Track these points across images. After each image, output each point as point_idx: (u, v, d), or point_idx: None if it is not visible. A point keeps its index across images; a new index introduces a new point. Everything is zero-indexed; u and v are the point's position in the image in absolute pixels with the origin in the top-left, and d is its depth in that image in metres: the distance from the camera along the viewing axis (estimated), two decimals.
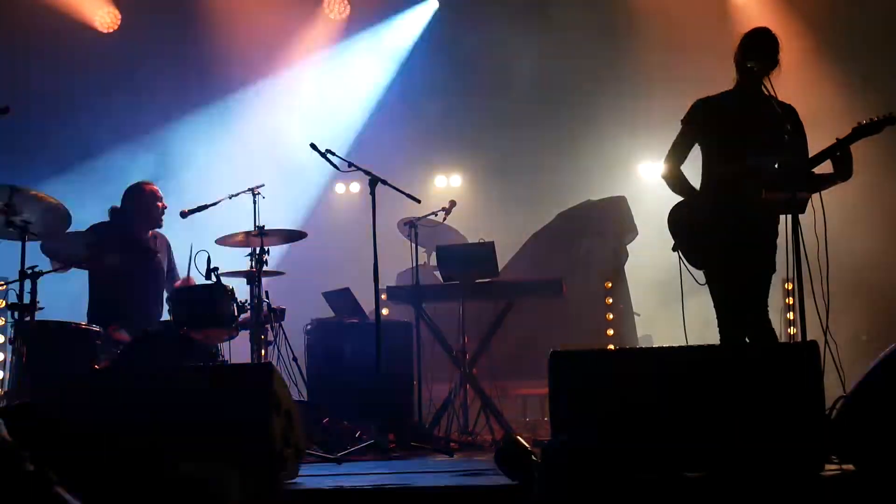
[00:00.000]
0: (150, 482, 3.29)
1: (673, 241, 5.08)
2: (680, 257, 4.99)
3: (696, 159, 5.21)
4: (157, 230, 6.87)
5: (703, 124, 5.13)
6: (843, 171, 4.79)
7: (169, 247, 6.95)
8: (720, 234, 4.91)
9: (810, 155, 4.83)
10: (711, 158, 5.12)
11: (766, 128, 4.90)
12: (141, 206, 6.69)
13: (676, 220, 5.10)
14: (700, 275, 5.02)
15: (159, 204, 6.73)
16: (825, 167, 4.81)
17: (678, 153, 5.19)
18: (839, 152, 4.71)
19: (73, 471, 2.35)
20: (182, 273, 6.87)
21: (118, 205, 6.73)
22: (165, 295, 6.74)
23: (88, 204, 6.56)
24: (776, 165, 4.93)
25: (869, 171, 7.79)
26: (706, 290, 5.03)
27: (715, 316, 5.02)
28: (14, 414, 3.86)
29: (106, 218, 6.68)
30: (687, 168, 5.20)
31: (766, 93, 4.84)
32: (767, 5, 9.63)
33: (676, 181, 5.17)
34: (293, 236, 6.52)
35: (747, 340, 4.88)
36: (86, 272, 6.49)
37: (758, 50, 4.94)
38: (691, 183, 5.16)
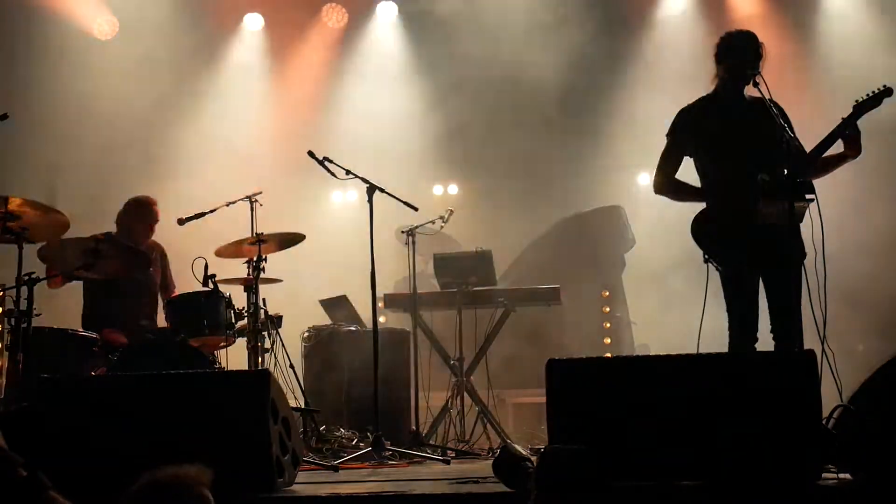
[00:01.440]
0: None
1: (703, 254, 4.95)
2: (711, 264, 4.93)
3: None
4: (154, 240, 6.91)
5: (689, 135, 5.11)
6: (853, 148, 4.80)
7: (164, 257, 6.95)
8: (736, 242, 4.87)
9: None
10: (706, 168, 5.10)
11: (759, 129, 4.87)
12: (127, 217, 6.76)
13: (700, 230, 4.99)
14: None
15: (153, 226, 6.79)
16: (834, 148, 4.82)
17: (669, 166, 5.14)
18: (847, 130, 4.73)
19: (68, 476, 2.35)
20: (177, 283, 6.90)
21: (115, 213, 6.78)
22: (160, 305, 6.77)
23: (83, 207, 6.55)
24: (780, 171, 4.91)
25: (866, 181, 7.86)
26: (713, 300, 5.00)
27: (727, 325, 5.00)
28: (11, 420, 3.86)
29: (98, 223, 6.70)
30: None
31: (756, 91, 4.79)
32: (767, 12, 9.67)
33: (672, 191, 5.15)
34: (290, 243, 6.50)
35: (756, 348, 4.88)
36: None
37: (752, 56, 4.93)
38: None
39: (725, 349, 4.87)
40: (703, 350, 4.47)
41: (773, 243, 4.80)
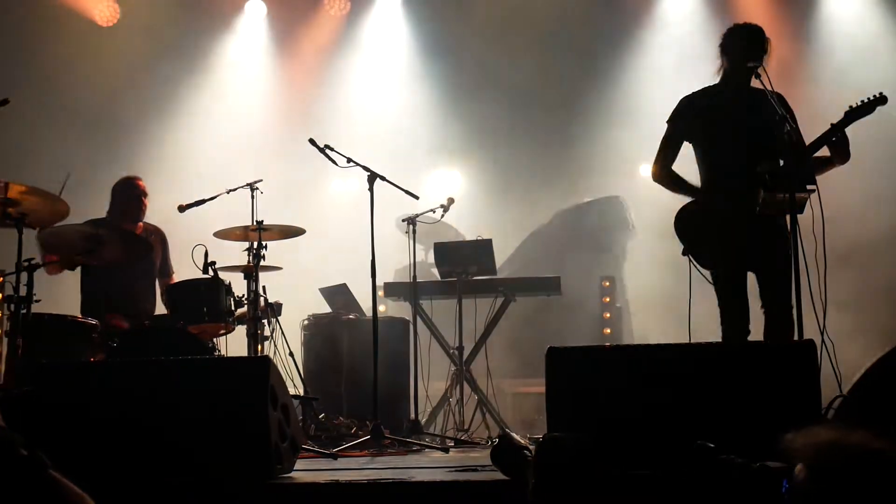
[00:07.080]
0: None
1: (682, 246, 4.97)
2: (690, 260, 4.94)
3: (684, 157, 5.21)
4: (154, 225, 6.90)
5: (691, 122, 5.10)
6: (840, 155, 4.77)
7: (164, 242, 6.95)
8: (730, 236, 4.87)
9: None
10: (706, 156, 5.10)
11: (759, 121, 4.87)
12: (116, 200, 6.71)
13: (684, 222, 5.01)
14: (709, 274, 4.97)
15: (143, 199, 6.75)
16: (823, 151, 4.80)
17: (667, 153, 5.15)
18: (834, 137, 4.70)
19: (69, 458, 2.36)
20: (177, 270, 6.89)
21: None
22: (157, 291, 6.77)
23: (86, 195, 6.55)
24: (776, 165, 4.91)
25: (871, 170, 7.85)
26: (709, 290, 5.00)
27: (719, 316, 5.00)
28: (11, 403, 3.86)
29: (102, 211, 6.71)
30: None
31: (759, 85, 4.79)
32: (768, 4, 9.65)
33: (669, 181, 5.15)
34: (291, 232, 6.49)
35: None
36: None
37: (758, 49, 4.92)
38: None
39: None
40: (697, 339, 4.47)
41: (766, 240, 4.83)
